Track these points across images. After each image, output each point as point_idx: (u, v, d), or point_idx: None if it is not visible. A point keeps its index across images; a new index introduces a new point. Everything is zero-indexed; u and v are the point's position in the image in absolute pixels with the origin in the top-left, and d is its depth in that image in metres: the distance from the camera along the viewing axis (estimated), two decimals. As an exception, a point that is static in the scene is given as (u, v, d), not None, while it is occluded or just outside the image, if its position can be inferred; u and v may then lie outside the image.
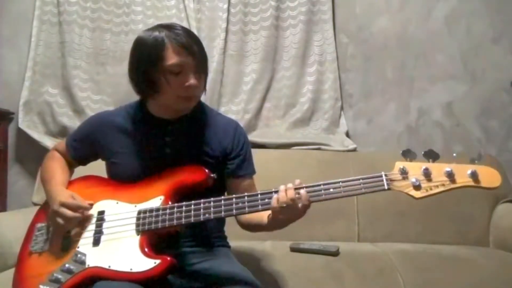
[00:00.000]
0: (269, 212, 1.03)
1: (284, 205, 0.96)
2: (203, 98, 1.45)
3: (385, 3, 2.22)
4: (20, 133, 2.11)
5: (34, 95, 2.12)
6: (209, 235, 1.23)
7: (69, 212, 1.07)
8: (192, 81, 1.08)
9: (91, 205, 1.11)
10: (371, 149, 2.17)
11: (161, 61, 1.06)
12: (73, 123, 2.08)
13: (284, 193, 0.97)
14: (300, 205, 0.97)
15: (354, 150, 2.09)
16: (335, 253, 1.52)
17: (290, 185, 0.99)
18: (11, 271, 1.15)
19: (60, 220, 1.09)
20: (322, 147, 2.08)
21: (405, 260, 1.49)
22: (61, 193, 1.13)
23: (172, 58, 1.06)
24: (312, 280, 1.37)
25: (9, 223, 1.51)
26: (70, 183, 1.23)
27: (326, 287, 1.35)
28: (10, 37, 2.19)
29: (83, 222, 1.10)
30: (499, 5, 2.15)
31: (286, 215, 0.99)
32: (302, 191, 0.97)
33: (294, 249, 1.57)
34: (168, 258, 0.99)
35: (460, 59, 2.17)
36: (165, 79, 1.08)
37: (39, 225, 1.18)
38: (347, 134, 2.20)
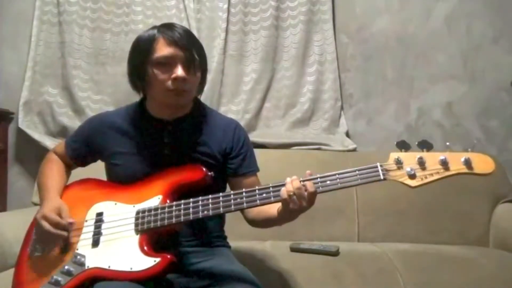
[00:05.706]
0: (277, 206, 1.06)
1: (292, 193, 0.97)
2: (203, 98, 1.45)
3: (385, 3, 2.22)
4: (20, 133, 2.11)
5: (34, 95, 2.12)
6: (209, 235, 1.23)
7: (47, 226, 1.07)
8: (179, 73, 1.08)
9: (71, 224, 1.10)
10: (371, 149, 2.17)
11: (151, 54, 1.10)
12: (73, 123, 2.07)
13: (290, 184, 0.99)
14: (306, 193, 0.97)
15: (354, 150, 2.08)
16: (335, 253, 1.52)
17: (294, 177, 1.01)
18: (11, 271, 1.15)
19: (40, 231, 1.10)
20: (322, 147, 2.08)
21: (405, 260, 1.48)
22: (49, 204, 1.12)
23: (161, 51, 1.09)
24: (312, 280, 1.36)
25: (9, 223, 1.51)
26: (67, 187, 1.23)
27: (326, 287, 1.35)
28: (10, 37, 2.19)
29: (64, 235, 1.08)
30: (499, 5, 2.15)
31: (296, 204, 0.98)
32: (307, 182, 0.99)
33: (294, 249, 1.57)
34: (168, 256, 0.99)
35: (460, 59, 2.17)
36: (153, 71, 1.10)
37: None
38: (347, 134, 2.19)
